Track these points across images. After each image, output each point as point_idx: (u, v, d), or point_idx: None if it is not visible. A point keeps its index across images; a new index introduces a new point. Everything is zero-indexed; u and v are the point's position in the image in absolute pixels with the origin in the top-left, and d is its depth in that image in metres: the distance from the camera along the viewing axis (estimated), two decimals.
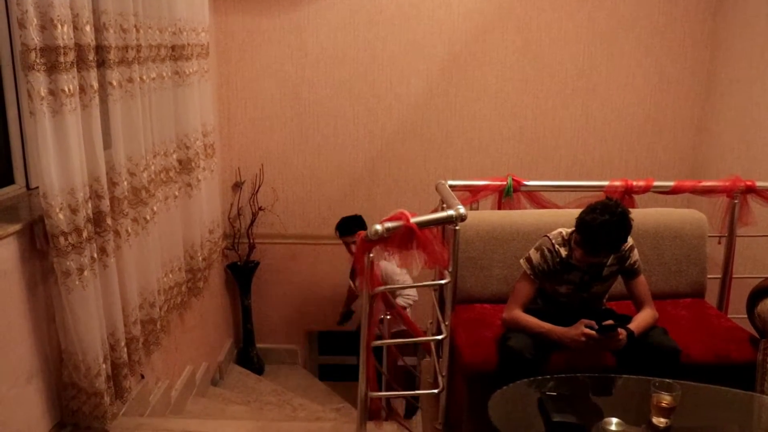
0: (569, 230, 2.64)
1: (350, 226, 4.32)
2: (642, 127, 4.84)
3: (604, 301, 2.80)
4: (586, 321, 2.46)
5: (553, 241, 2.62)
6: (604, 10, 4.61)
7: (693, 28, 4.64)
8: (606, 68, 4.73)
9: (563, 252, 2.59)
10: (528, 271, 2.63)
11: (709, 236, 3.21)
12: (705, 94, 4.74)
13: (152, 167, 3.02)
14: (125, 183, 2.72)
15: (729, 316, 3.13)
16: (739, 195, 3.25)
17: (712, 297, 3.31)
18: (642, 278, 2.68)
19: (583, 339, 2.45)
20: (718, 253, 3.38)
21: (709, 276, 3.22)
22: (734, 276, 3.37)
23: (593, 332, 2.43)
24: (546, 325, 2.54)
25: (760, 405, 2.43)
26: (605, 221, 2.38)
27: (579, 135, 4.85)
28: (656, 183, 3.27)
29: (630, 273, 2.66)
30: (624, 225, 2.42)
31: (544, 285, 2.67)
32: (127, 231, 2.74)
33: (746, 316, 2.78)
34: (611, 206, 2.43)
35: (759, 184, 3.25)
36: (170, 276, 3.39)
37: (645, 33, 4.65)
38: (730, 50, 4.46)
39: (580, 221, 2.44)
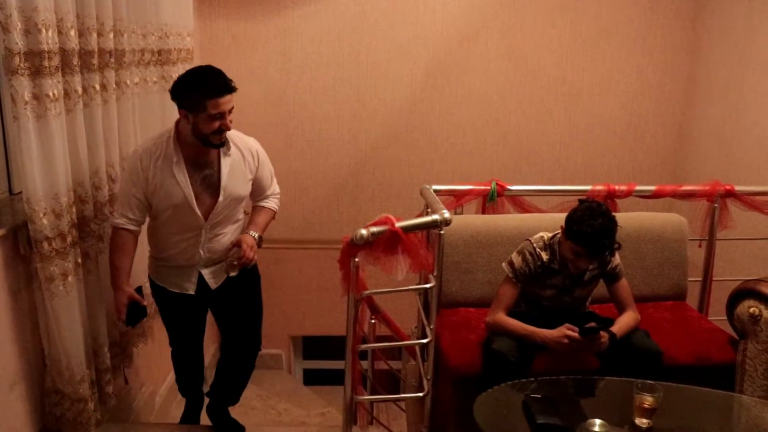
0: (551, 234, 2.66)
1: None
2: (624, 132, 4.89)
3: (587, 304, 2.83)
4: (569, 325, 2.49)
5: (535, 245, 2.64)
6: (586, 17, 4.67)
7: (673, 35, 4.70)
8: (588, 74, 4.78)
9: (545, 256, 2.62)
10: (510, 275, 2.65)
11: (690, 240, 3.25)
12: (685, 100, 4.80)
13: None
14: (106, 188, 2.71)
15: (709, 318, 3.18)
16: (719, 199, 3.29)
17: (693, 300, 3.35)
18: (624, 282, 2.71)
19: (566, 341, 2.47)
20: (698, 257, 3.42)
21: (689, 279, 3.27)
22: (714, 279, 3.42)
23: (576, 335, 2.46)
24: (529, 328, 2.57)
25: (740, 405, 2.47)
26: (601, 225, 2.41)
27: (562, 140, 4.89)
28: (638, 187, 3.31)
29: (612, 277, 2.69)
30: (613, 219, 2.47)
31: (527, 289, 2.69)
32: (109, 235, 2.73)
33: (726, 318, 2.82)
34: (595, 208, 2.46)
35: (738, 188, 3.30)
36: None
37: (626, 39, 4.71)
38: (709, 56, 4.52)
39: (578, 233, 2.43)
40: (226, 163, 2.60)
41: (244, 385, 3.09)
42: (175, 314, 2.87)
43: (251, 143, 2.72)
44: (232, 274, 2.67)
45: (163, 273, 2.77)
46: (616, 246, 2.52)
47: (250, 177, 2.70)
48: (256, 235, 2.73)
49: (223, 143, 2.54)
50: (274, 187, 2.87)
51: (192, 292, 2.74)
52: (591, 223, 2.41)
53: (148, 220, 2.69)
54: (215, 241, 2.69)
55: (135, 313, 2.63)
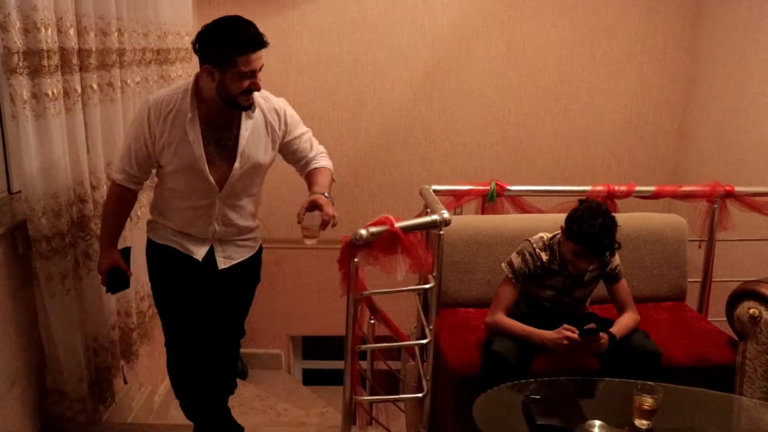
0: (551, 235, 2.66)
1: None
2: (623, 132, 4.89)
3: (587, 305, 2.82)
4: (568, 326, 2.49)
5: (535, 246, 2.64)
6: (586, 17, 4.66)
7: (673, 35, 4.70)
8: (588, 74, 4.77)
9: (544, 257, 2.62)
10: (510, 275, 2.65)
11: (690, 240, 3.25)
12: (685, 100, 4.80)
13: None
14: (105, 187, 2.70)
15: (709, 319, 3.17)
16: (719, 200, 3.29)
17: (692, 300, 3.35)
18: (623, 282, 2.71)
19: (565, 342, 2.47)
20: (698, 257, 3.42)
21: (689, 280, 3.26)
22: (714, 279, 3.41)
23: (575, 336, 2.46)
24: (528, 329, 2.56)
25: (739, 406, 2.47)
26: (601, 224, 2.41)
27: (561, 140, 4.89)
28: (637, 188, 3.30)
29: (611, 277, 2.69)
30: (613, 218, 2.47)
31: (527, 289, 2.69)
32: None
33: (726, 319, 2.81)
34: (595, 208, 2.46)
35: (738, 189, 3.30)
36: None
37: (626, 39, 4.71)
38: (709, 57, 4.52)
39: (578, 233, 2.43)
40: (246, 126, 2.30)
41: (236, 368, 2.85)
42: (173, 284, 2.49)
43: (278, 103, 2.41)
44: (310, 242, 2.32)
45: (167, 234, 2.45)
46: (616, 246, 2.52)
47: (273, 143, 2.40)
48: (326, 193, 2.37)
49: (251, 105, 2.26)
50: (318, 147, 2.53)
51: (199, 258, 2.43)
52: (591, 222, 2.41)
53: (155, 181, 2.47)
54: (232, 214, 2.41)
55: (116, 280, 2.44)
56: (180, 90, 2.27)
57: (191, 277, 2.46)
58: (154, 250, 2.49)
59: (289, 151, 2.48)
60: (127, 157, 2.31)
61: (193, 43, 2.19)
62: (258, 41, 2.16)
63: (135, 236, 2.88)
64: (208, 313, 2.54)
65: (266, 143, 2.37)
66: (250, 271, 2.57)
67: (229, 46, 2.13)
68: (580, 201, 2.56)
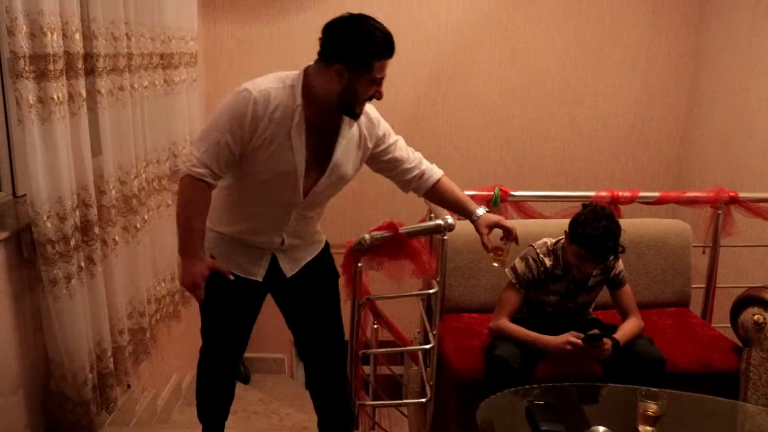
0: (554, 240, 2.66)
1: None
2: (627, 137, 4.89)
3: (590, 310, 2.82)
4: (574, 332, 2.49)
5: (538, 251, 2.64)
6: (590, 22, 4.67)
7: (677, 41, 4.70)
8: (592, 79, 4.78)
9: (548, 262, 2.62)
10: (513, 281, 2.65)
11: (694, 246, 3.25)
12: (689, 106, 4.80)
13: (143, 175, 3.01)
14: (113, 191, 2.71)
15: (713, 325, 3.17)
16: (723, 206, 3.29)
17: (696, 306, 3.34)
18: (627, 288, 2.71)
19: (569, 348, 2.47)
20: (702, 263, 3.41)
21: (693, 286, 3.26)
22: (718, 285, 3.41)
23: (579, 342, 2.45)
24: (532, 334, 2.56)
25: (743, 413, 2.46)
26: (605, 227, 2.42)
27: (565, 145, 4.89)
28: (642, 194, 3.30)
29: (615, 283, 2.69)
30: (617, 222, 2.48)
31: (531, 294, 2.69)
32: (114, 240, 2.73)
33: (730, 325, 2.81)
34: (599, 212, 2.47)
35: (742, 195, 3.29)
36: (162, 285, 3.37)
37: (631, 45, 4.71)
38: (713, 62, 4.52)
39: (582, 236, 2.44)
40: (345, 135, 2.10)
41: (349, 392, 2.57)
42: (228, 304, 2.25)
43: (372, 112, 2.20)
44: (499, 265, 2.24)
45: (226, 249, 2.19)
46: (620, 249, 2.52)
47: (362, 155, 2.20)
48: (484, 208, 2.25)
49: (360, 114, 2.06)
50: (416, 153, 2.36)
51: (259, 279, 2.22)
52: (595, 225, 2.42)
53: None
54: (302, 224, 2.20)
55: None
56: (286, 84, 2.00)
57: (250, 298, 2.28)
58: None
59: (383, 161, 2.27)
60: (213, 152, 1.99)
61: (324, 38, 1.97)
62: (394, 47, 2.00)
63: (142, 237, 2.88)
64: (296, 327, 2.39)
65: (356, 156, 2.18)
66: (322, 267, 2.35)
67: (370, 48, 1.94)
68: (584, 205, 2.56)
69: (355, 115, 2.04)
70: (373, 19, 1.98)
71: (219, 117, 2.00)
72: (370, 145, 2.19)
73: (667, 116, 4.85)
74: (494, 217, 2.20)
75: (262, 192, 2.10)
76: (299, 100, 1.97)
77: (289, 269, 2.25)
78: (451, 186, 2.33)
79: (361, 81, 1.95)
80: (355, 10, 2.00)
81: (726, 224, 3.32)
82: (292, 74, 2.02)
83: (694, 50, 4.71)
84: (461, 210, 2.31)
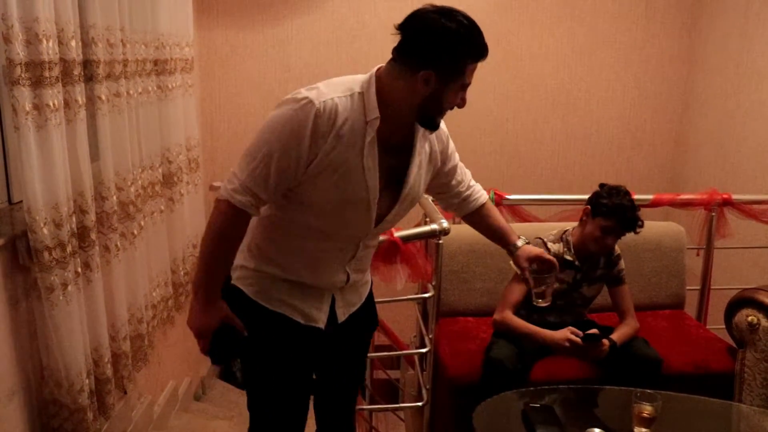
0: (563, 230, 2.70)
1: None
2: (621, 140, 4.91)
3: (585, 312, 2.83)
4: (573, 329, 2.52)
5: (545, 240, 2.68)
6: (584, 26, 4.69)
7: (670, 44, 4.73)
8: (586, 83, 4.80)
9: (556, 247, 2.65)
10: (519, 273, 2.66)
11: (688, 248, 3.27)
12: (682, 108, 4.83)
13: (139, 181, 3.02)
14: (114, 197, 2.71)
15: (708, 326, 3.19)
16: (717, 208, 3.31)
17: (691, 308, 3.36)
18: (626, 288, 2.75)
19: (567, 344, 2.49)
20: (696, 265, 3.43)
21: (688, 287, 3.28)
22: (712, 287, 3.43)
23: (578, 339, 2.48)
24: (533, 328, 2.61)
25: (738, 414, 2.47)
26: (631, 199, 2.57)
27: (559, 149, 4.91)
28: (636, 196, 3.30)
29: (616, 280, 2.73)
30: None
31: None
32: (113, 246, 2.73)
33: (724, 326, 2.83)
34: (619, 187, 2.61)
35: (735, 197, 3.32)
36: (157, 291, 3.37)
37: (624, 48, 4.74)
38: (706, 65, 4.55)
39: (610, 207, 2.53)
40: (419, 152, 1.76)
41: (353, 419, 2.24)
42: (289, 363, 1.84)
43: (442, 123, 1.84)
44: (544, 304, 2.02)
45: (276, 291, 1.79)
46: (640, 223, 2.57)
47: (430, 173, 1.87)
48: (524, 239, 2.03)
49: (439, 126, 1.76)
50: (467, 170, 2.12)
51: (322, 325, 1.82)
52: (622, 197, 2.54)
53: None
54: (365, 256, 1.87)
55: (224, 343, 1.75)
56: (354, 92, 1.64)
57: (313, 350, 1.87)
58: (256, 314, 1.79)
59: (441, 183, 1.97)
60: (261, 176, 1.61)
61: (405, 39, 1.65)
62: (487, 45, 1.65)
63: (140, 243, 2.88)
64: (320, 379, 2.04)
65: (426, 175, 1.84)
66: (366, 315, 1.99)
67: (466, 50, 1.61)
68: (601, 185, 2.65)
69: (436, 127, 1.74)
70: (461, 13, 1.61)
71: (271, 131, 1.61)
72: (438, 161, 1.89)
73: (661, 119, 4.88)
74: (536, 250, 1.98)
75: (324, 224, 1.72)
76: (376, 113, 1.61)
77: (342, 313, 1.87)
78: (495, 212, 2.10)
79: (449, 88, 1.65)
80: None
81: (720, 226, 3.34)
82: (359, 79, 1.69)
83: (687, 54, 4.74)
84: (500, 239, 2.05)
